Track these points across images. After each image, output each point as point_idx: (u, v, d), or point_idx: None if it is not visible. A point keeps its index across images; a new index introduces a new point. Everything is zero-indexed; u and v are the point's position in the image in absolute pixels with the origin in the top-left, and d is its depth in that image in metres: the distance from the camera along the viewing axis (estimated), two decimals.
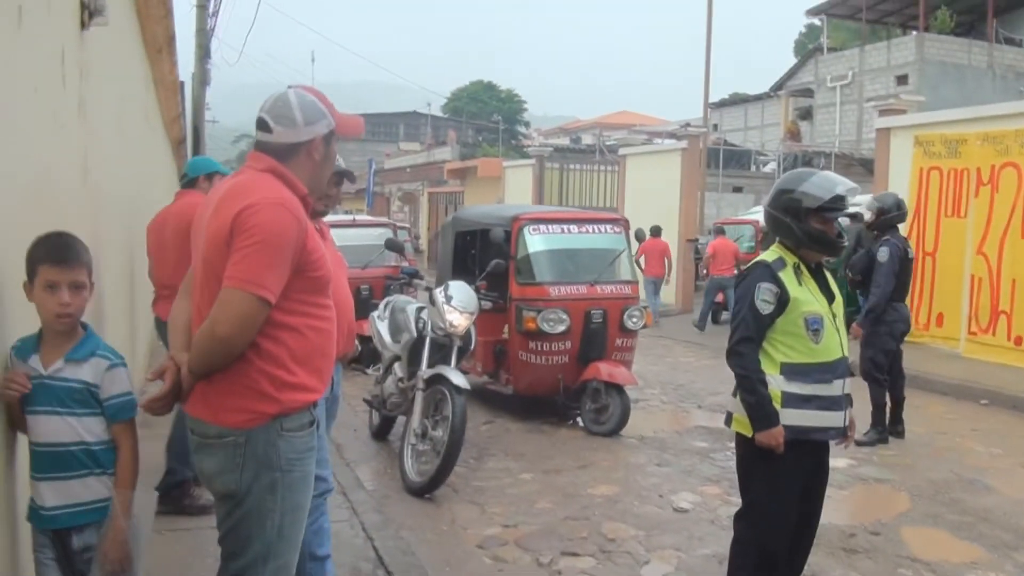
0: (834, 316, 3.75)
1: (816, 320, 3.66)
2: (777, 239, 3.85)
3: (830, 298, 3.78)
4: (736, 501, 4.13)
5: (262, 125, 2.78)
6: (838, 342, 3.74)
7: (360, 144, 47.00)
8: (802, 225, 3.70)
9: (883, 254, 7.41)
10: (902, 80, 31.49)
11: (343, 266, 4.04)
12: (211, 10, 17.57)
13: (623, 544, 5.18)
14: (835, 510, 5.67)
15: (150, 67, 9.48)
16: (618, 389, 7.74)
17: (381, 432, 7.52)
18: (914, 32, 34.38)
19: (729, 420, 3.89)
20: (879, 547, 5.21)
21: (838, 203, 3.71)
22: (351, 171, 4.25)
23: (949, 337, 11.46)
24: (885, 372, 7.58)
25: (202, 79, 18.21)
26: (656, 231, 15.53)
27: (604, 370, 7.77)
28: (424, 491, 5.98)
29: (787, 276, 3.70)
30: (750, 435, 3.70)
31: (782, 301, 3.65)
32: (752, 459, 3.78)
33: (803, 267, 3.75)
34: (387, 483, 6.34)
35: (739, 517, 3.93)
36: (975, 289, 11.39)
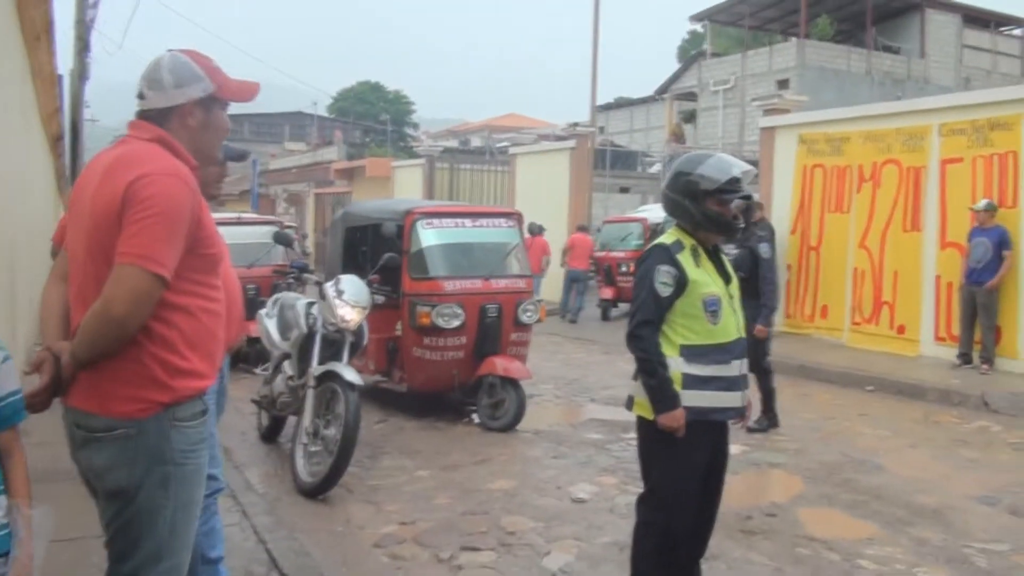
0: (731, 297, 3.76)
1: (714, 302, 3.66)
2: (675, 222, 3.83)
3: (727, 280, 3.79)
4: (633, 490, 4.11)
5: (139, 92, 2.59)
6: (735, 323, 3.75)
7: (244, 144, 46.01)
8: (699, 207, 3.69)
9: (766, 250, 7.51)
10: (783, 84, 32.44)
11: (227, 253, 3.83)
12: (91, 0, 16.75)
13: (523, 536, 5.11)
14: (731, 494, 5.61)
15: (27, 55, 8.92)
16: (514, 384, 7.67)
17: (271, 434, 7.26)
18: (795, 38, 35.48)
19: (630, 404, 3.85)
20: (776, 528, 5.27)
21: (734, 185, 3.71)
22: (242, 149, 4.02)
23: (834, 328, 11.79)
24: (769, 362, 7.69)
25: (81, 74, 17.40)
26: (536, 229, 15.59)
27: (499, 365, 7.69)
28: (317, 492, 5.78)
29: (685, 258, 3.68)
30: (652, 418, 3.67)
31: (680, 283, 3.63)
32: (654, 442, 3.75)
33: (700, 250, 3.74)
34: (278, 485, 6.11)
35: (641, 501, 3.89)
36: (858, 281, 11.76)
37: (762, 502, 5.73)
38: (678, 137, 31.51)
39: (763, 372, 7.56)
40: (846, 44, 36.23)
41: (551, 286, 16.74)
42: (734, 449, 6.71)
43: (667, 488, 3.73)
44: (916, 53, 37.49)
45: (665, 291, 3.62)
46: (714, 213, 3.71)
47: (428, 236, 8.01)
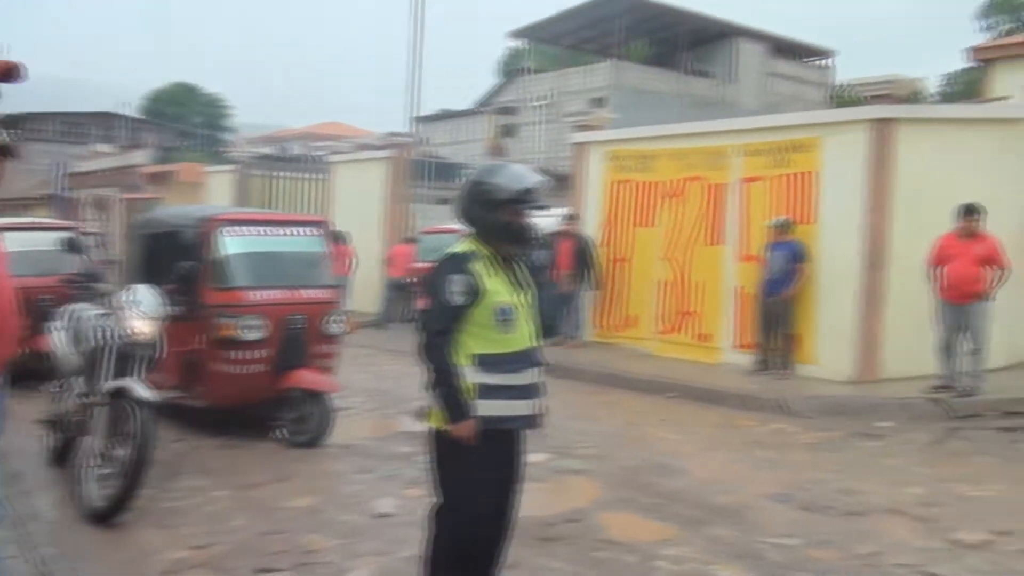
0: (525, 307, 3.77)
1: (507, 311, 3.67)
2: (470, 231, 3.81)
3: (522, 289, 3.79)
4: None
5: None
6: (529, 332, 3.76)
7: (48, 146, 43.26)
8: (493, 216, 3.68)
9: (540, 257, 7.56)
10: (599, 103, 33.32)
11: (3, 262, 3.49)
12: None
13: (323, 555, 4.96)
14: (533, 503, 5.70)
15: None
16: (319, 397, 7.46)
17: (61, 456, 6.72)
18: (612, 59, 36.60)
19: (424, 415, 3.80)
20: (576, 533, 5.33)
21: (528, 196, 3.72)
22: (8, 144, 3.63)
23: (641, 337, 12.14)
24: None
25: None
26: (341, 237, 15.35)
27: (304, 378, 7.47)
28: (107, 517, 5.41)
29: (479, 267, 3.67)
30: (445, 429, 3.64)
31: (474, 292, 3.62)
32: (446, 453, 3.72)
33: (495, 259, 3.73)
34: (67, 512, 5.69)
35: (436, 514, 3.83)
36: (664, 292, 12.15)
37: (564, 509, 5.79)
38: (498, 150, 31.87)
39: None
40: (661, 67, 37.70)
41: (367, 297, 16.55)
42: (538, 457, 6.81)
43: (460, 499, 3.70)
44: (727, 78, 39.45)
45: (458, 300, 3.60)
46: (506, 223, 3.71)
47: (230, 244, 7.69)
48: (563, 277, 12.58)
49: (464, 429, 3.59)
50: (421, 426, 3.92)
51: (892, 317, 10.05)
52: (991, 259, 8.76)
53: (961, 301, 8.78)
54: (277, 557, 4.90)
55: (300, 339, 7.60)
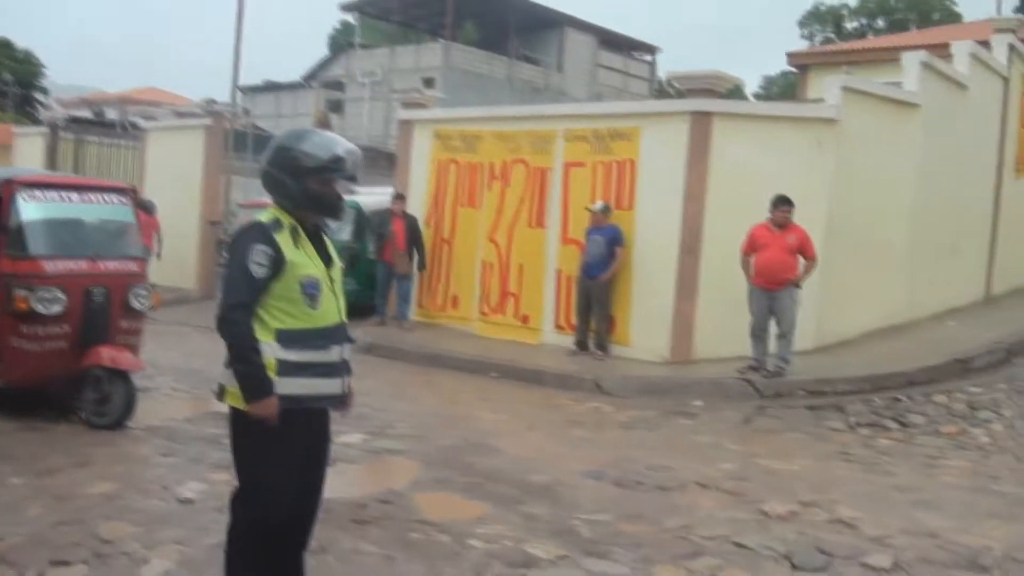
0: (332, 281, 3.61)
1: (313, 285, 3.49)
2: (274, 199, 3.62)
3: (328, 262, 3.62)
4: None
5: None
6: (336, 307, 3.60)
7: None
8: (300, 184, 3.50)
9: None
10: (429, 83, 33.23)
11: None
12: None
13: (121, 544, 4.65)
14: (347, 484, 5.62)
15: None
16: (123, 376, 7.02)
17: None
18: (442, 40, 36.48)
19: (222, 394, 3.58)
20: (390, 514, 5.23)
21: (338, 164, 3.54)
22: None
23: (464, 317, 12.13)
24: None
25: None
26: (147, 206, 14.59)
27: (106, 355, 7.01)
28: None
29: (283, 238, 3.48)
30: (244, 408, 3.43)
31: (277, 264, 3.42)
32: (247, 433, 3.51)
33: (300, 230, 3.55)
34: None
35: (236, 498, 3.63)
36: (487, 273, 12.18)
37: (378, 490, 5.67)
38: (324, 125, 31.19)
39: None
40: (490, 51, 37.87)
41: (182, 271, 15.87)
42: (353, 438, 6.70)
43: (262, 482, 3.50)
44: (555, 66, 40.05)
45: (259, 272, 3.39)
46: (316, 192, 3.53)
47: (28, 210, 7.12)
48: (398, 257, 12.37)
49: (263, 408, 3.38)
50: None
51: (705, 301, 10.41)
52: (801, 249, 9.19)
53: (771, 287, 9.17)
54: (72, 549, 4.58)
55: (102, 314, 7.13)
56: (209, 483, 5.69)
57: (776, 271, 9.15)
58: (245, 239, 3.46)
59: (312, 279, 3.49)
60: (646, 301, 10.72)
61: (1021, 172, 15.52)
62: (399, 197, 12.71)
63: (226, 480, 5.68)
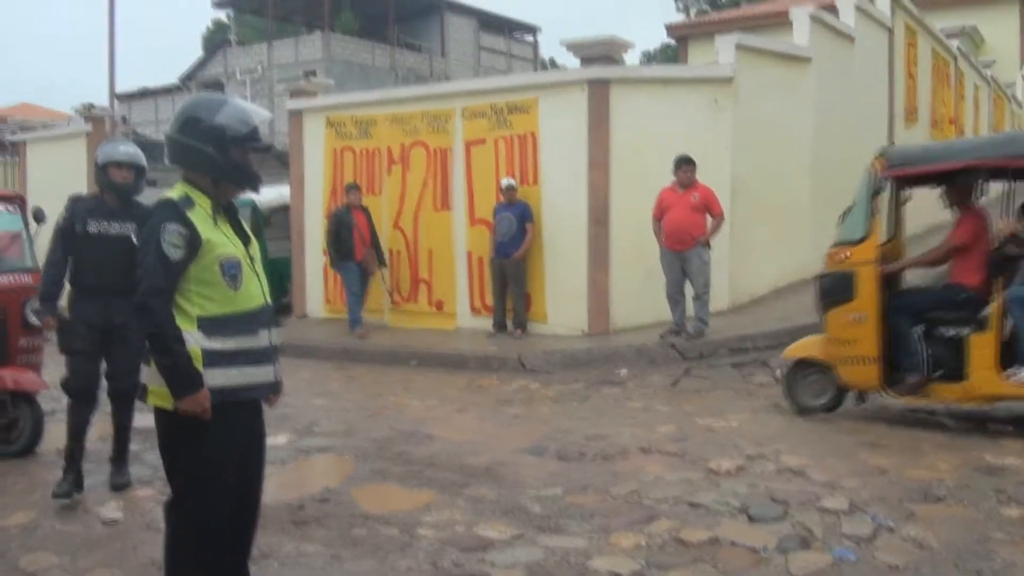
0: (252, 260, 3.35)
1: (233, 264, 3.23)
2: (186, 173, 3.32)
3: (246, 241, 3.36)
4: None
5: None
6: (259, 288, 3.34)
7: None
8: (225, 156, 3.24)
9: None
10: (310, 76, 32.52)
11: None
12: None
13: (46, 574, 4.30)
14: (280, 486, 5.32)
15: None
16: (28, 399, 6.52)
17: None
18: (320, 32, 35.78)
19: (143, 394, 3.28)
20: (330, 513, 4.96)
21: (256, 134, 3.33)
22: None
23: (374, 309, 11.80)
24: None
25: None
26: (40, 215, 13.77)
27: (8, 377, 6.46)
28: None
29: (198, 216, 3.20)
30: (171, 406, 3.15)
31: (193, 244, 3.15)
32: (177, 434, 3.23)
33: (214, 207, 3.28)
34: None
35: (171, 506, 3.34)
36: (395, 262, 11.88)
37: (314, 489, 5.37)
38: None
39: None
40: (370, 40, 37.32)
41: None
42: (280, 439, 6.39)
43: (199, 486, 3.22)
44: (437, 52, 39.70)
45: (176, 254, 3.11)
46: (240, 163, 3.29)
47: None
48: (369, 255, 11.32)
49: (193, 403, 3.10)
50: (147, 418, 3.38)
51: (619, 271, 10.35)
52: (707, 206, 9.16)
53: (680, 248, 9.13)
54: None
55: None
56: (131, 501, 5.32)
57: (683, 230, 9.11)
58: (156, 219, 3.16)
59: (232, 259, 3.23)
60: (560, 275, 10.61)
61: (911, 122, 15.98)
62: (354, 188, 11.63)
63: (150, 496, 5.37)
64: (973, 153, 6.43)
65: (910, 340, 6.36)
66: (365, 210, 11.53)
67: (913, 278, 7.69)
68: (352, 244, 11.17)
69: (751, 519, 4.68)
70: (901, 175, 6.64)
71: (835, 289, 6.62)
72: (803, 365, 6.97)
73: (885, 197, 6.77)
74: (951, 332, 6.32)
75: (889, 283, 6.74)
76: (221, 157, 3.24)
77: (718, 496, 5.00)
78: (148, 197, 14.85)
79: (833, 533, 4.42)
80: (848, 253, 6.58)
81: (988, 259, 6.40)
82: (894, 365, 6.50)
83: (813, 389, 6.91)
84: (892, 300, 6.60)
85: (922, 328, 6.39)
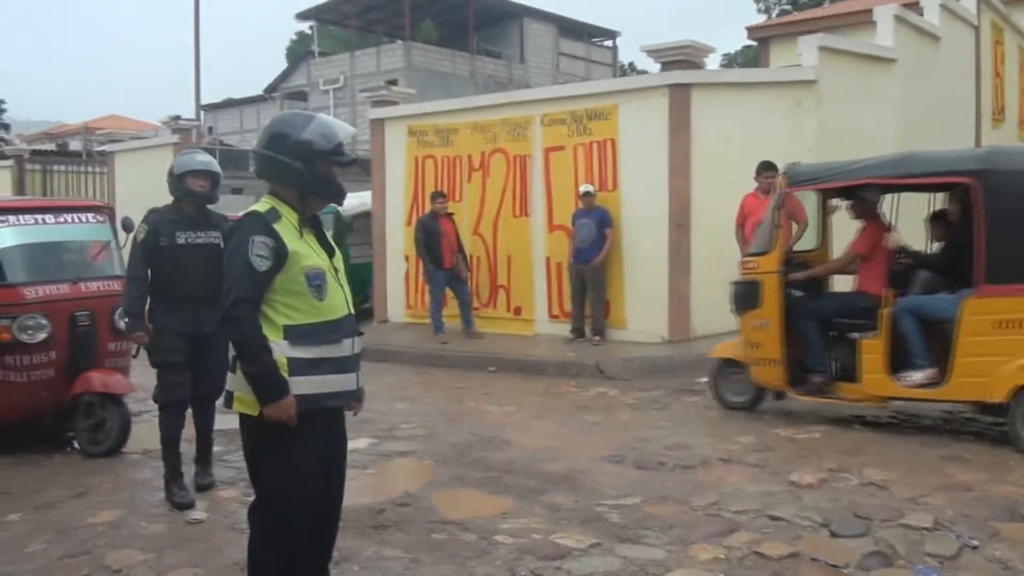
0: (336, 271, 3.43)
1: (318, 275, 3.31)
2: (273, 187, 3.42)
3: (330, 252, 3.45)
4: None
5: None
6: (343, 298, 3.42)
7: None
8: (313, 170, 3.33)
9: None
10: (392, 84, 32.98)
11: None
12: None
13: (131, 572, 4.42)
14: (361, 490, 5.40)
15: None
16: (115, 400, 6.75)
17: None
18: (401, 41, 36.24)
19: (230, 401, 3.39)
20: (410, 517, 5.02)
21: (341, 149, 3.42)
22: None
23: (455, 315, 11.90)
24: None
25: None
26: (130, 225, 14.13)
27: (97, 380, 6.72)
28: None
29: (284, 228, 3.29)
30: (256, 413, 3.23)
31: (280, 256, 3.23)
32: (262, 440, 3.32)
33: (300, 219, 3.37)
34: None
35: (255, 509, 3.44)
36: (475, 268, 11.97)
37: (394, 494, 5.44)
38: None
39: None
40: (450, 48, 37.66)
41: None
42: (361, 443, 6.49)
43: (283, 490, 3.30)
44: (517, 59, 39.88)
45: (262, 265, 3.20)
46: (325, 177, 3.38)
47: (4, 236, 6.83)
48: (457, 261, 11.40)
49: (279, 410, 3.19)
50: (231, 419, 3.48)
51: (700, 277, 10.25)
52: (789, 214, 9.00)
53: None
54: None
55: (89, 337, 6.86)
56: (215, 502, 5.46)
57: None
58: (243, 231, 3.26)
59: (317, 270, 3.31)
60: (640, 282, 10.56)
61: (998, 122, 15.51)
62: (440, 196, 11.67)
63: (234, 497, 5.49)
64: (867, 171, 6.81)
65: (815, 343, 6.88)
66: (451, 217, 11.62)
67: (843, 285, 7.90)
68: (441, 252, 11.27)
69: (833, 534, 4.59)
70: (801, 190, 7.39)
71: (744, 296, 7.19)
72: (727, 364, 7.55)
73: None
74: (852, 336, 6.75)
75: (813, 288, 7.35)
76: (308, 171, 3.33)
77: (799, 510, 4.93)
78: (232, 204, 15.32)
79: (916, 551, 4.32)
80: (756, 263, 7.13)
81: (889, 269, 6.86)
82: (805, 366, 6.95)
83: (736, 387, 7.52)
84: (803, 305, 7.04)
85: (828, 332, 6.91)
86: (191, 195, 5.64)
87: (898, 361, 6.49)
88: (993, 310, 6.07)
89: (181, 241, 5.58)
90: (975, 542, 4.38)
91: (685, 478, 5.65)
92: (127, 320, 5.79)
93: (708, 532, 4.67)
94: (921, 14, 12.77)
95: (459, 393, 8.80)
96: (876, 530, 4.60)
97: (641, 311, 10.55)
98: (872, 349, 6.51)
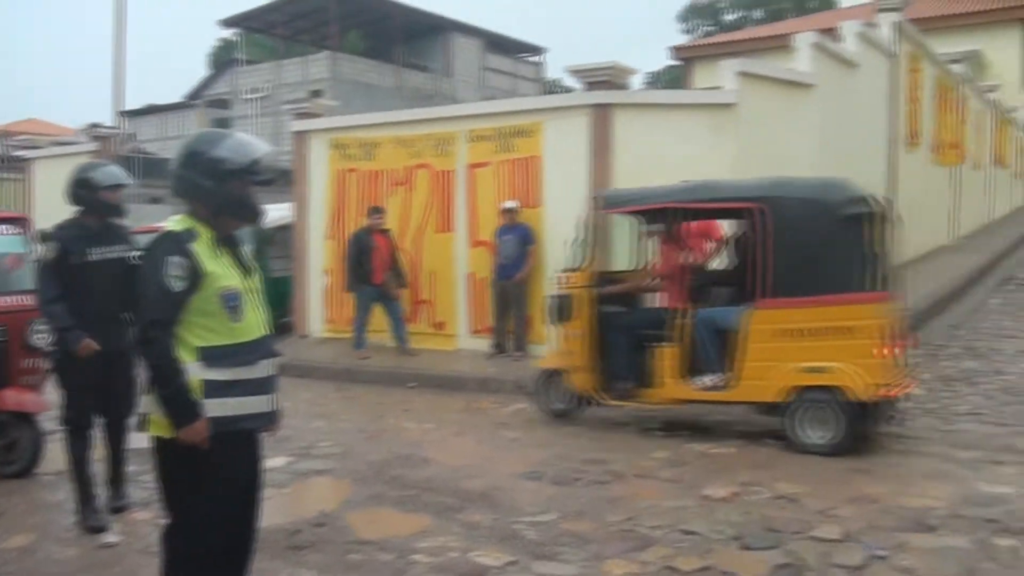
0: (253, 292, 3.40)
1: (234, 296, 3.28)
2: (188, 207, 3.38)
3: (246, 272, 3.41)
4: None
5: None
6: (259, 319, 3.39)
7: None
8: (223, 189, 3.29)
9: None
10: (317, 95, 32.45)
11: None
12: None
13: None
14: (277, 510, 5.32)
15: None
16: (29, 420, 6.54)
17: None
18: (327, 51, 35.99)
19: (144, 423, 3.33)
20: (326, 537, 4.99)
21: (257, 168, 3.36)
22: None
23: (376, 330, 11.81)
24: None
25: None
26: (49, 237, 13.78)
27: (10, 398, 6.50)
28: None
29: (200, 248, 3.25)
30: (170, 436, 3.20)
31: (195, 277, 3.20)
32: (176, 463, 3.28)
33: (216, 238, 3.33)
34: None
35: (168, 534, 3.38)
36: None
37: (310, 513, 5.40)
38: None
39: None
40: (377, 60, 37.53)
41: None
42: (278, 462, 6.41)
43: (196, 514, 3.26)
44: (443, 72, 39.91)
45: (177, 286, 3.16)
46: (237, 196, 3.33)
47: None
48: (389, 278, 11.22)
49: (192, 433, 3.16)
50: (145, 441, 3.42)
51: None
52: (705, 232, 9.16)
53: None
54: None
55: (2, 354, 6.64)
56: (130, 524, 5.34)
57: None
58: (158, 251, 3.22)
59: (232, 291, 3.27)
60: None
61: (914, 145, 16.04)
62: (377, 211, 11.51)
63: (148, 519, 5.37)
64: (667, 197, 7.55)
65: (623, 353, 7.53)
66: (387, 233, 11.52)
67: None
68: (372, 267, 11.16)
69: (745, 547, 4.71)
70: (611, 212, 8.07)
71: (559, 309, 7.80)
72: (552, 373, 8.05)
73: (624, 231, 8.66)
74: (655, 346, 7.34)
75: (628, 303, 8.19)
76: (219, 191, 3.29)
77: (712, 524, 5.03)
78: (151, 213, 14.95)
79: (825, 562, 4.45)
80: (568, 278, 7.77)
81: (690, 284, 7.43)
82: (615, 374, 7.58)
83: (558, 394, 8.00)
84: (614, 319, 7.73)
85: (637, 343, 7.49)
86: (108, 209, 5.47)
87: (695, 367, 7.23)
88: (772, 320, 6.82)
89: (94, 258, 5.38)
90: (883, 553, 4.53)
91: (601, 494, 5.72)
92: (67, 337, 5.36)
93: (623, 548, 4.75)
94: (841, 42, 13.13)
95: (378, 409, 8.75)
96: (787, 543, 4.73)
97: None
98: (669, 356, 7.20)
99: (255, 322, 3.36)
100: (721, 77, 10.72)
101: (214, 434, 3.19)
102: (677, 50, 28.20)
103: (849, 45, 13.18)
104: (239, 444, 3.33)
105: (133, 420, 3.56)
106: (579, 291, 7.64)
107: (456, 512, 5.38)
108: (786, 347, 6.74)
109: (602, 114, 10.47)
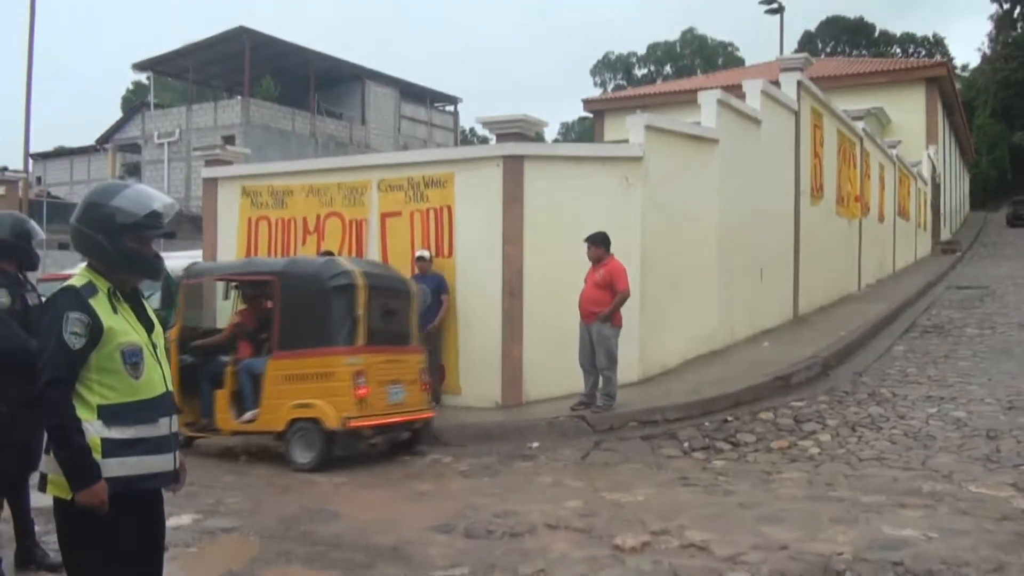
0: (155, 347, 3.32)
1: (135, 352, 3.21)
2: (86, 261, 3.31)
3: (149, 327, 3.34)
4: None
5: None
6: (161, 376, 3.31)
7: None
8: (116, 244, 3.22)
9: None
10: (229, 140, 32.34)
11: None
12: None
13: None
14: (183, 570, 5.21)
15: None
16: None
17: None
18: (240, 96, 35.74)
19: (44, 484, 3.22)
20: None
21: (154, 220, 3.29)
22: None
23: None
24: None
25: None
26: None
27: None
28: None
29: (99, 303, 3.18)
30: (70, 497, 3.09)
31: (94, 333, 3.12)
32: (76, 526, 3.16)
33: (118, 293, 3.26)
34: None
35: None
36: None
37: (217, 573, 5.27)
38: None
39: None
40: (291, 106, 37.41)
41: None
42: (184, 520, 6.25)
43: None
44: (358, 120, 39.97)
45: (77, 343, 3.08)
46: (132, 251, 3.26)
47: None
48: None
49: (91, 496, 3.06)
50: (46, 497, 3.31)
51: (532, 343, 10.45)
52: (608, 283, 9.30)
53: (586, 321, 9.28)
54: None
55: None
56: None
57: (587, 304, 9.28)
58: (58, 307, 3.14)
59: (134, 346, 3.21)
60: (474, 347, 10.67)
61: (816, 199, 16.58)
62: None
63: None
64: (224, 270, 10.28)
65: (206, 395, 9.07)
66: None
67: None
68: None
69: None
70: (193, 282, 9.82)
71: None
72: None
73: (233, 295, 10.21)
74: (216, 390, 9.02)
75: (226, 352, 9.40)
76: (110, 245, 3.22)
77: (622, 573, 5.06)
78: (59, 259, 14.68)
79: None
80: (167, 335, 8.42)
81: (249, 338, 9.31)
82: (200, 412, 9.10)
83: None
84: (197, 368, 9.23)
85: (210, 387, 9.07)
86: (31, 258, 5.33)
87: (243, 406, 8.86)
88: (280, 368, 8.65)
89: (32, 302, 5.15)
90: None
91: (513, 546, 5.70)
92: None
93: None
94: (744, 99, 13.56)
95: (285, 464, 8.56)
96: None
97: (475, 376, 10.65)
98: (223, 397, 8.95)
99: (156, 378, 3.28)
100: (629, 130, 10.97)
101: (114, 494, 3.10)
102: (588, 103, 28.79)
103: (752, 103, 13.62)
104: (140, 504, 3.24)
105: (35, 477, 3.44)
106: (171, 344, 8.84)
107: (366, 569, 5.30)
108: (288, 388, 8.53)
109: (513, 165, 10.61)
